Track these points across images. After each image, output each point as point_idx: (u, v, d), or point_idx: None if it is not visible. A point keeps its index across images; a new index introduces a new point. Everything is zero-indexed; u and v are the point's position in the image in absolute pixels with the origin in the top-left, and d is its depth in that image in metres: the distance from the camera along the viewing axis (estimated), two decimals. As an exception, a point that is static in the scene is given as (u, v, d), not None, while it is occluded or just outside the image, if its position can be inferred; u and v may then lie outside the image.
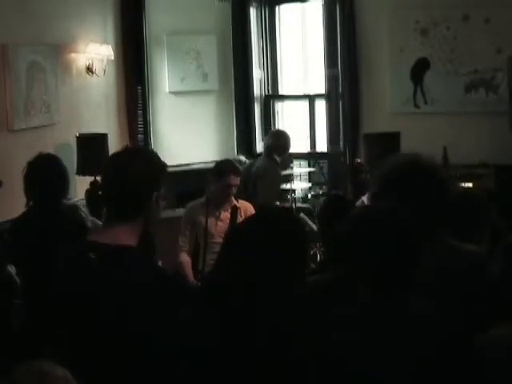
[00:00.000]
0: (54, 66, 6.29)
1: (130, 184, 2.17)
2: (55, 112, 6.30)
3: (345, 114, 7.60)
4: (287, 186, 6.46)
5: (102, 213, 5.69)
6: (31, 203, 3.69)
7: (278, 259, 2.02)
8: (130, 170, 2.19)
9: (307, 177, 7.67)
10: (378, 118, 7.37)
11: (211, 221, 4.70)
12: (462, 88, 7.06)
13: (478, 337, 1.95)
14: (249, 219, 2.43)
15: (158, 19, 7.66)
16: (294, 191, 6.51)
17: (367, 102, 7.52)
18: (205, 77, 7.92)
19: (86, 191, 6.17)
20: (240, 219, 4.69)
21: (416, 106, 7.30)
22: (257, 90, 8.12)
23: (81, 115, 6.72)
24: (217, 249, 4.48)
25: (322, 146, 8.00)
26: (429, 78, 7.20)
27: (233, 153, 7.52)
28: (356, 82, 7.50)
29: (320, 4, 7.76)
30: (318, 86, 8.01)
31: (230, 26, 7.96)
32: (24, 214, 3.75)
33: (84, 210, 4.08)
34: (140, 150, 2.38)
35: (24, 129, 5.90)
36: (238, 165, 4.99)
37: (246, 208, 4.82)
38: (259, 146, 8.18)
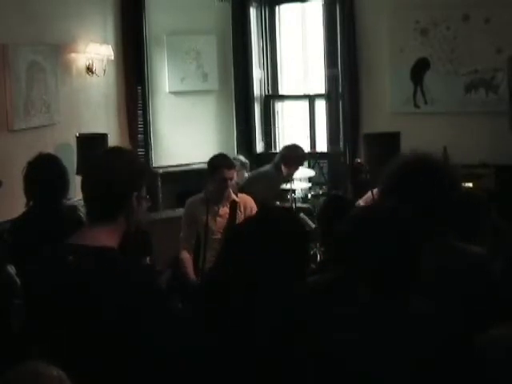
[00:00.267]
0: (54, 66, 6.29)
1: (108, 184, 2.16)
2: (55, 112, 6.30)
3: (345, 113, 7.61)
4: (287, 186, 6.46)
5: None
6: (31, 203, 3.69)
7: (277, 259, 2.02)
8: (108, 170, 2.18)
9: (307, 177, 7.66)
10: (378, 118, 7.37)
11: (211, 217, 4.71)
12: (462, 88, 7.05)
13: (477, 337, 1.95)
14: (249, 219, 2.43)
15: (157, 19, 7.67)
16: (294, 191, 6.51)
17: (367, 101, 7.52)
18: (205, 77, 7.93)
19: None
20: (240, 214, 4.70)
21: (416, 106, 7.30)
22: (257, 89, 8.12)
23: (81, 115, 6.72)
24: (217, 245, 4.49)
25: (322, 145, 8.00)
26: (429, 78, 7.20)
27: (233, 153, 7.51)
28: (356, 82, 7.50)
29: (320, 4, 7.76)
30: (318, 85, 8.01)
31: (230, 26, 7.96)
32: (24, 213, 3.75)
33: (82, 211, 4.07)
34: (119, 151, 2.34)
35: (24, 129, 5.90)
36: (230, 158, 4.97)
37: (246, 201, 4.81)
38: (259, 146, 8.19)
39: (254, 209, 4.76)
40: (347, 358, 1.92)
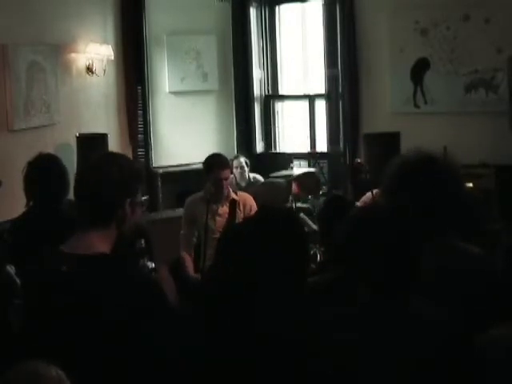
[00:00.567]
0: (54, 66, 6.29)
1: (98, 192, 2.14)
2: (55, 112, 6.30)
3: (345, 114, 7.61)
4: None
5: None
6: (31, 203, 3.69)
7: (277, 259, 2.02)
8: (98, 178, 2.15)
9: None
10: (378, 118, 7.37)
11: (210, 216, 4.71)
12: (462, 88, 7.06)
13: (478, 337, 1.95)
14: (249, 219, 2.43)
15: (158, 19, 7.67)
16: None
17: (367, 102, 7.52)
18: (205, 77, 7.93)
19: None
20: (239, 212, 4.70)
21: (416, 106, 7.31)
22: (257, 90, 8.13)
23: (81, 115, 6.72)
24: (215, 243, 4.50)
25: (322, 145, 8.00)
26: (429, 78, 7.21)
27: (233, 153, 7.51)
28: (356, 82, 7.50)
29: (320, 4, 7.76)
30: (318, 85, 8.01)
31: (230, 26, 7.96)
32: (24, 213, 3.74)
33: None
34: (112, 156, 2.30)
35: (24, 129, 5.90)
36: (225, 158, 4.97)
37: (245, 200, 4.81)
38: (259, 146, 8.19)
39: (254, 207, 4.77)
40: (347, 358, 1.92)
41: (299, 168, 7.44)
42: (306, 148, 8.05)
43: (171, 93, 7.84)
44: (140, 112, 7.58)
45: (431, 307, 2.00)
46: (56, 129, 6.33)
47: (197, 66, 7.88)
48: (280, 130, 8.40)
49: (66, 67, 6.55)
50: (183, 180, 7.41)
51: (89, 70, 6.80)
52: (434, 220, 2.26)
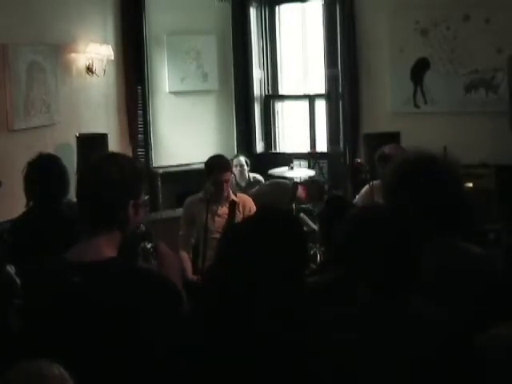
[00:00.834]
0: (54, 66, 6.29)
1: (101, 195, 2.10)
2: (55, 112, 6.30)
3: (345, 114, 7.61)
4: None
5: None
6: (31, 203, 3.69)
7: (277, 259, 2.02)
8: (100, 180, 2.12)
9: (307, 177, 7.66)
10: (378, 118, 7.37)
11: (209, 217, 4.73)
12: (461, 88, 7.06)
13: (478, 337, 1.95)
14: (248, 219, 2.42)
15: (158, 19, 7.66)
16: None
17: (367, 102, 7.52)
18: (205, 77, 7.93)
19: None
20: (238, 214, 4.71)
21: (416, 106, 7.31)
22: (257, 90, 8.13)
23: (81, 115, 6.72)
24: (215, 244, 4.51)
25: (322, 145, 8.00)
26: (429, 77, 7.20)
27: (233, 153, 7.51)
28: (356, 82, 7.50)
29: (320, 4, 7.76)
30: (318, 85, 8.01)
31: (230, 26, 7.96)
32: (24, 213, 3.74)
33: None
34: (113, 158, 2.24)
35: (24, 129, 5.90)
36: (226, 159, 4.98)
37: (245, 201, 4.83)
38: (259, 146, 8.19)
39: (253, 209, 4.78)
40: (347, 358, 1.92)
41: (299, 168, 7.44)
42: (306, 148, 8.05)
43: (171, 93, 7.84)
44: (140, 112, 7.58)
45: (431, 307, 2.00)
46: (56, 129, 6.33)
47: (197, 65, 7.88)
48: (280, 129, 8.39)
49: (65, 67, 6.55)
50: (183, 180, 7.40)
51: (89, 69, 6.80)
52: (434, 220, 2.26)
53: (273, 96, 8.30)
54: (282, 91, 8.34)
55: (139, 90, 7.54)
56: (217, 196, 4.76)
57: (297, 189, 6.38)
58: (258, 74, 8.11)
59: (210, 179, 4.75)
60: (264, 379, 1.94)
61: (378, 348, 1.91)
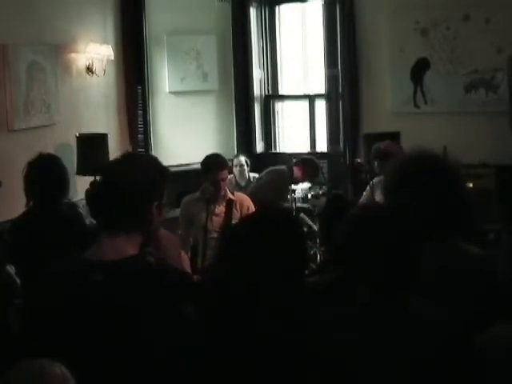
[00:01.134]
0: (54, 66, 6.29)
1: (129, 197, 2.08)
2: (55, 112, 6.30)
3: (345, 114, 7.61)
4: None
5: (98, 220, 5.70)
6: (31, 203, 3.69)
7: (277, 259, 2.02)
8: (129, 181, 2.09)
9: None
10: (378, 118, 7.37)
11: (206, 216, 4.73)
12: (461, 88, 7.06)
13: (478, 337, 1.95)
14: (248, 219, 2.42)
15: (158, 19, 7.67)
16: (294, 191, 6.51)
17: (367, 102, 7.52)
18: (205, 77, 7.93)
19: (86, 191, 6.15)
20: (235, 212, 4.71)
21: (416, 106, 7.31)
22: (257, 90, 8.12)
23: (81, 115, 6.72)
24: (214, 243, 4.51)
25: (322, 145, 8.00)
26: (429, 78, 7.20)
27: (233, 153, 7.51)
28: (356, 82, 7.50)
29: (320, 4, 7.76)
30: (318, 85, 8.01)
31: (230, 26, 7.96)
32: (24, 213, 3.75)
33: (82, 209, 4.07)
34: (140, 159, 2.23)
35: (24, 129, 5.90)
36: (223, 158, 4.97)
37: (242, 200, 4.83)
38: (259, 146, 8.19)
39: (251, 207, 4.78)
40: (347, 358, 1.92)
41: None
42: (306, 148, 8.05)
43: (171, 93, 7.84)
44: (140, 112, 7.58)
45: (431, 307, 2.00)
46: (56, 129, 6.33)
47: (197, 65, 7.88)
48: (280, 129, 8.39)
49: (65, 67, 6.54)
50: (183, 180, 7.36)
51: (89, 69, 6.79)
52: (435, 220, 2.26)
53: (273, 96, 8.30)
54: (281, 91, 8.34)
55: (139, 90, 7.54)
56: (215, 195, 4.76)
57: (293, 171, 6.38)
58: (258, 74, 8.11)
59: (207, 178, 4.75)
60: (264, 379, 1.94)
61: (378, 348, 1.91)
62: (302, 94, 8.25)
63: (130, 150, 7.42)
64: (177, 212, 5.69)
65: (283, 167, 6.53)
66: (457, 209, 2.31)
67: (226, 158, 5.30)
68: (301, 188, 7.10)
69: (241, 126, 8.09)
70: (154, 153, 7.72)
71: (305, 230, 5.31)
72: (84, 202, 6.23)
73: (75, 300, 2.05)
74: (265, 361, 1.93)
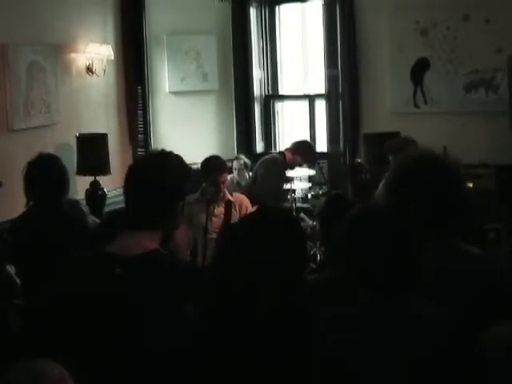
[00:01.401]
0: (54, 66, 6.29)
1: (159, 196, 2.11)
2: (55, 112, 6.30)
3: (345, 113, 7.60)
4: (287, 186, 6.46)
5: (104, 213, 5.68)
6: (31, 203, 3.69)
7: (277, 259, 2.02)
8: (161, 181, 2.12)
9: (307, 177, 7.65)
10: (378, 118, 7.37)
11: (207, 217, 4.74)
12: (461, 88, 7.05)
13: (478, 337, 1.94)
14: (247, 219, 2.42)
15: (158, 19, 7.67)
16: (294, 191, 6.51)
17: (367, 102, 7.52)
18: (205, 77, 7.93)
19: (86, 191, 6.17)
20: (235, 213, 4.73)
21: (416, 106, 7.30)
22: (257, 90, 8.12)
23: (81, 115, 6.72)
24: (214, 244, 4.52)
25: (322, 145, 8.00)
26: (429, 77, 7.20)
27: (233, 153, 7.51)
28: (356, 82, 7.50)
29: (320, 4, 7.76)
30: (318, 86, 8.01)
31: (230, 26, 7.96)
32: (24, 213, 3.74)
33: (84, 207, 4.08)
34: (169, 158, 2.23)
35: (24, 129, 5.90)
36: (223, 160, 4.99)
37: (241, 201, 4.85)
38: (259, 146, 8.18)
39: (250, 208, 4.79)
40: (347, 358, 1.92)
41: (299, 168, 7.43)
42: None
43: (171, 93, 7.84)
44: (140, 112, 7.58)
45: (431, 307, 2.00)
46: (56, 129, 6.33)
47: (197, 65, 7.88)
48: (280, 130, 8.39)
49: (65, 67, 6.54)
50: (183, 180, 7.40)
51: (89, 70, 6.80)
52: (435, 220, 2.26)
53: (273, 96, 8.30)
54: (281, 91, 8.34)
55: (139, 90, 7.54)
56: (214, 196, 4.78)
57: (285, 156, 6.39)
58: (257, 74, 8.11)
59: (208, 180, 4.76)
60: (264, 379, 1.94)
61: (378, 348, 1.91)
62: (301, 94, 8.25)
63: (131, 149, 7.44)
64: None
65: (275, 154, 6.55)
66: (457, 209, 2.31)
67: (226, 158, 5.31)
68: (301, 188, 7.11)
69: (241, 126, 8.09)
70: (153, 153, 7.72)
71: (307, 230, 5.30)
72: (85, 202, 6.26)
73: (92, 291, 2.07)
74: (265, 361, 1.93)
